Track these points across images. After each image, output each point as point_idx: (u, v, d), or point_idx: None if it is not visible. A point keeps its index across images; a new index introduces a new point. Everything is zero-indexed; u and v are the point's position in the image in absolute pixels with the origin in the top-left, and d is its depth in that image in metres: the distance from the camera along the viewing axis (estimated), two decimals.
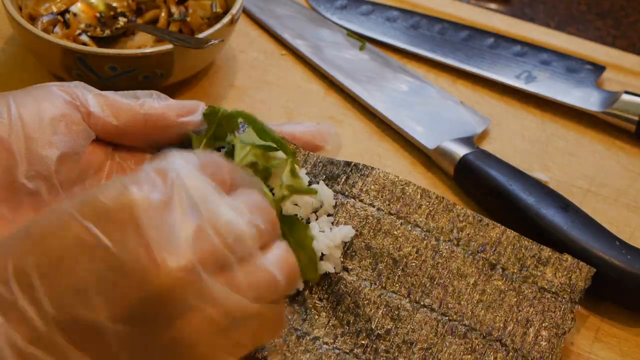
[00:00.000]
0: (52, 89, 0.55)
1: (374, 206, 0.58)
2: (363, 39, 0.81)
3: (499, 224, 0.58)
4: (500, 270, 0.57)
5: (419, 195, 0.59)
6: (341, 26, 0.83)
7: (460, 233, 0.58)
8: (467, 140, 0.69)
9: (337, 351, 0.53)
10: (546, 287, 0.56)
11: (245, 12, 0.83)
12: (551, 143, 0.73)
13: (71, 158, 0.54)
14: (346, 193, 0.59)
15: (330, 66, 0.77)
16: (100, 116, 0.56)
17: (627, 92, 0.73)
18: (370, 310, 0.55)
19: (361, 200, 0.58)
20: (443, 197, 0.59)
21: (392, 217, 0.58)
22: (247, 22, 0.83)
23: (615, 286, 0.58)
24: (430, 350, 0.54)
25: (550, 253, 0.57)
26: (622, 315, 0.60)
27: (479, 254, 0.57)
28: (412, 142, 0.71)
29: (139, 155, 0.59)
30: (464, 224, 0.58)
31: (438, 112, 0.73)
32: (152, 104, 0.57)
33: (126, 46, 0.72)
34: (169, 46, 0.67)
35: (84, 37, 0.72)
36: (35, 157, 0.52)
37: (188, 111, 0.58)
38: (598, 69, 0.78)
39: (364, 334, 0.54)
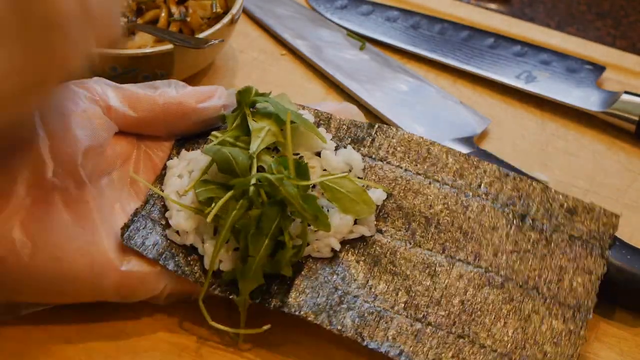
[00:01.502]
0: (71, 86, 0.55)
1: (401, 167, 0.59)
2: (363, 39, 0.81)
3: (526, 177, 0.59)
4: (531, 221, 0.57)
5: (444, 154, 0.60)
6: (341, 26, 0.83)
7: (489, 188, 0.59)
8: (467, 140, 0.70)
9: (378, 308, 0.54)
10: (576, 235, 0.57)
11: (245, 12, 0.83)
12: (551, 143, 0.73)
13: (96, 151, 0.55)
14: (373, 156, 0.60)
15: (330, 66, 0.77)
16: (119, 109, 0.57)
17: (627, 92, 0.73)
18: (407, 269, 0.55)
19: (389, 163, 0.59)
20: (469, 155, 0.60)
21: (420, 177, 0.59)
22: (247, 22, 0.83)
23: (615, 286, 0.58)
24: (469, 302, 0.54)
25: (577, 202, 0.58)
26: (622, 315, 0.60)
27: (508, 207, 0.58)
28: None
29: (164, 142, 0.60)
30: (491, 178, 0.59)
31: (438, 112, 0.73)
32: (169, 94, 0.58)
33: (126, 46, 0.72)
34: (169, 46, 0.67)
35: None
36: (61, 154, 0.52)
37: (206, 97, 0.59)
38: (598, 69, 0.78)
39: (403, 291, 0.55)
